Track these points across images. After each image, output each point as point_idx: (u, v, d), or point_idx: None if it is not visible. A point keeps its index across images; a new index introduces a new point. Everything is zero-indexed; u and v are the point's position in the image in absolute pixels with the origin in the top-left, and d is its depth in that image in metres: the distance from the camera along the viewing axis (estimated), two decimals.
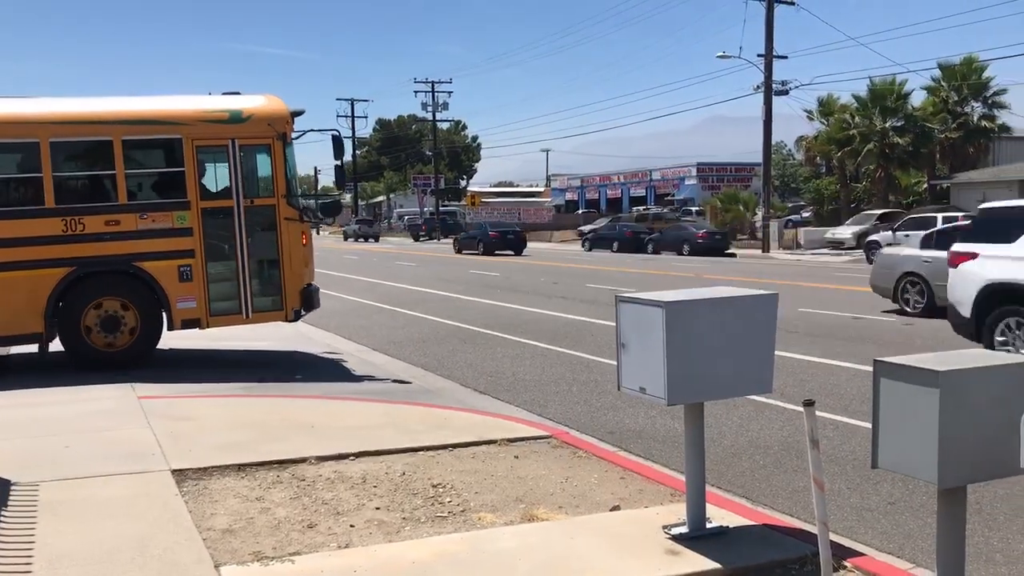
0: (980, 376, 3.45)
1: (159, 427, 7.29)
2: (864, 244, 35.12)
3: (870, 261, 33.33)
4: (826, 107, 48.53)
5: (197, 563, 4.55)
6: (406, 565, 4.51)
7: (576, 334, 13.49)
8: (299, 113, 10.93)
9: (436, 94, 71.38)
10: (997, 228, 10.48)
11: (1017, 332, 9.93)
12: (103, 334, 10.03)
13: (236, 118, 10.40)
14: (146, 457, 6.44)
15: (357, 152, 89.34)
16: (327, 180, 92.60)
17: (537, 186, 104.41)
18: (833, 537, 4.93)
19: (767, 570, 4.54)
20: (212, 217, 10.34)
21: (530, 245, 54.24)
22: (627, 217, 56.00)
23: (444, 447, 6.83)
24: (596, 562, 4.54)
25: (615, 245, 45.67)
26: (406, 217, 77.77)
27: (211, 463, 6.29)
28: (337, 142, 11.59)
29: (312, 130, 11.92)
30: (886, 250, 19.54)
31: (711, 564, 4.48)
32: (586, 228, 55.31)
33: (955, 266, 10.66)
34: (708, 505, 5.20)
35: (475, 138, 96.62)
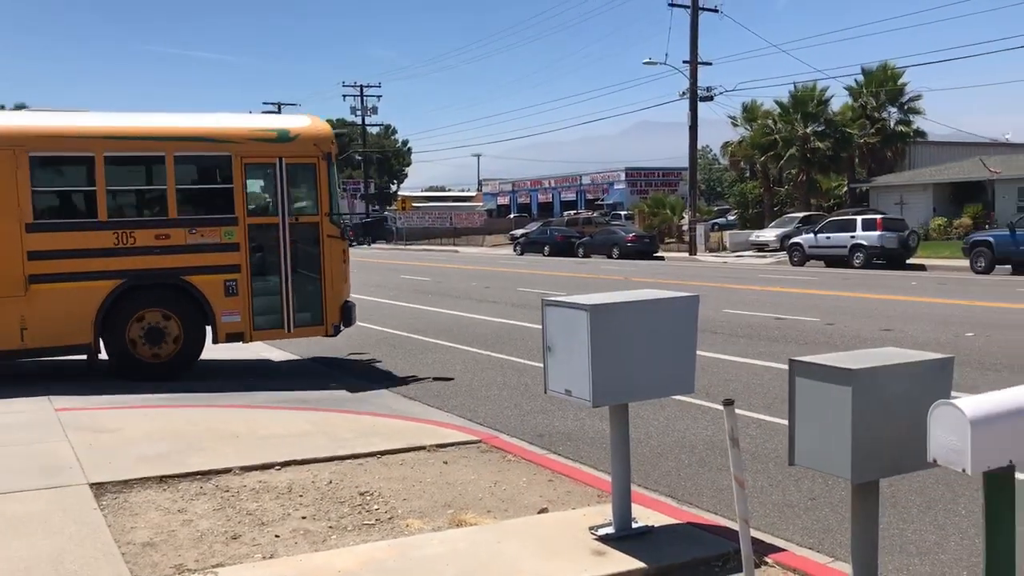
0: (890, 373, 3.56)
1: (77, 440, 7.09)
2: (787, 246, 35.95)
3: (792, 263, 34.18)
4: (750, 113, 49.54)
5: None
6: (332, 574, 4.47)
7: (507, 338, 13.52)
8: (342, 134, 11.30)
9: (365, 98, 70.85)
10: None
11: None
12: (147, 345, 10.12)
13: (284, 137, 10.67)
14: (63, 471, 6.25)
15: None
16: None
17: (469, 191, 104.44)
18: (755, 533, 5.04)
19: (691, 568, 4.62)
20: (258, 233, 10.54)
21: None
22: (558, 221, 56.41)
23: (372, 454, 6.79)
24: (523, 565, 4.56)
25: (546, 249, 45.97)
26: None
27: (132, 476, 6.14)
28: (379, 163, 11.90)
29: (352, 152, 12.19)
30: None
31: (636, 564, 4.53)
32: (518, 232, 55.52)
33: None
34: (634, 505, 5.27)
35: (406, 142, 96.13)
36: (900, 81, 46.11)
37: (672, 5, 42.36)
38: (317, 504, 5.66)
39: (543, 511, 5.50)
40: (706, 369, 10.64)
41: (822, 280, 25.75)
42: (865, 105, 46.36)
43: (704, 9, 42.50)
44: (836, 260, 32.46)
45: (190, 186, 10.54)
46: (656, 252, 42.33)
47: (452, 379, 10.51)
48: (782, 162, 46.35)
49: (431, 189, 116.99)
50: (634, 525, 5.01)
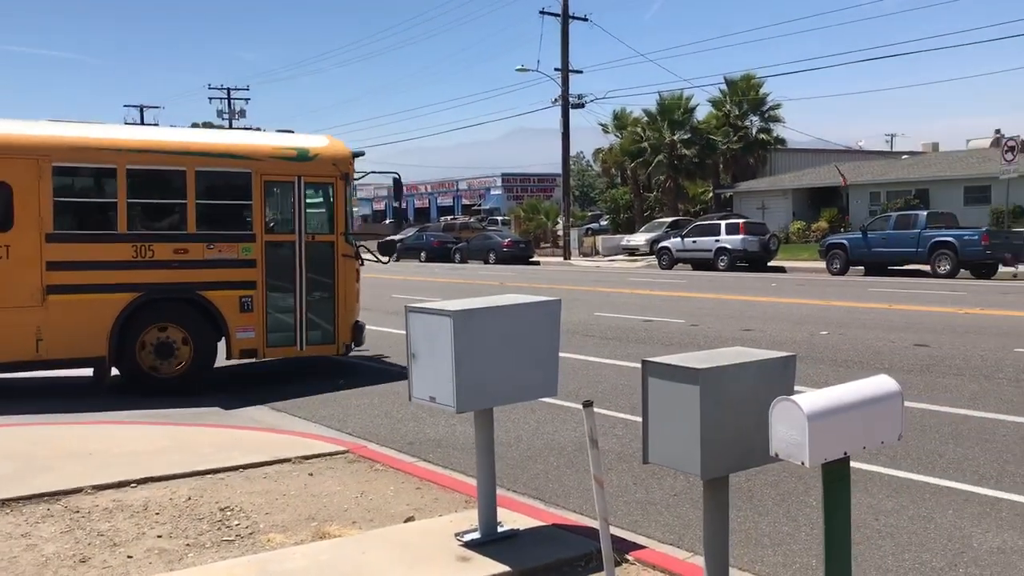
0: (736, 372, 3.69)
1: None
2: (656, 250, 36.98)
3: (661, 266, 35.19)
4: (620, 120, 50.78)
5: None
6: None
7: (379, 345, 13.38)
8: (360, 155, 11.40)
9: (233, 101, 69.01)
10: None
11: None
12: (158, 359, 10.03)
13: (303, 156, 10.73)
14: None
15: None
16: None
17: None
18: (618, 532, 5.15)
19: (554, 569, 4.67)
20: (274, 250, 10.56)
21: None
22: (435, 227, 56.33)
23: (235, 468, 6.59)
24: (387, 574, 4.51)
25: (423, 255, 45.82)
26: None
27: None
28: (398, 184, 12.39)
29: (374, 172, 12.98)
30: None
31: (500, 567, 4.55)
32: (394, 238, 55.13)
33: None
34: (502, 509, 5.30)
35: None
36: (761, 91, 48.21)
37: (543, 13, 42.95)
38: (174, 522, 5.45)
39: (410, 519, 5.46)
40: (578, 372, 10.82)
41: (689, 283, 26.59)
42: (729, 113, 48.22)
43: (574, 18, 43.30)
44: (702, 263, 33.61)
45: (209, 201, 10.44)
46: (532, 257, 42.83)
47: (320, 389, 10.31)
48: (651, 168, 47.69)
49: None
50: (500, 529, 5.03)
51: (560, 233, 45.91)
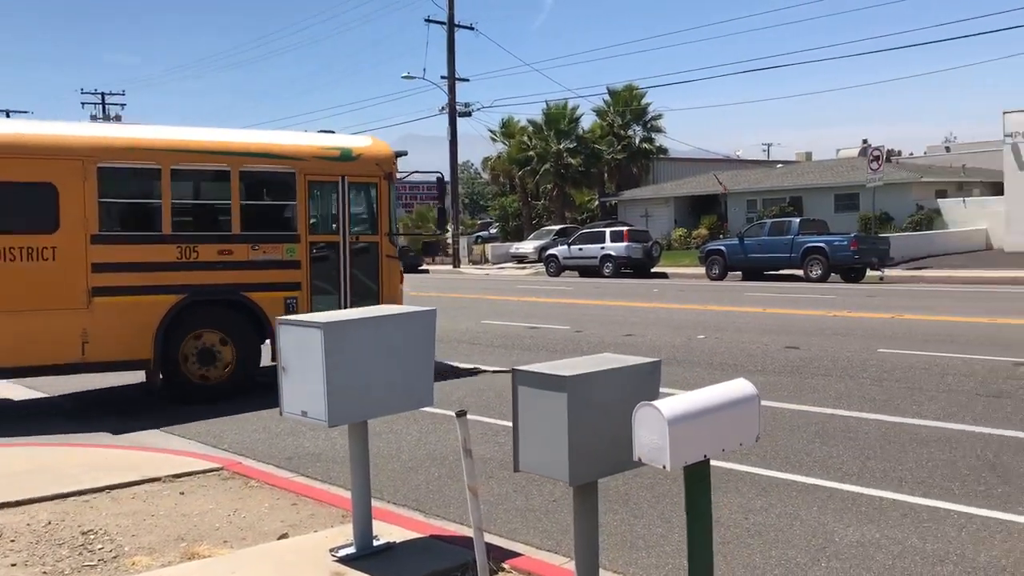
0: (602, 379, 3.75)
1: None
2: (544, 258, 37.40)
3: (549, 273, 35.59)
4: (507, 129, 51.15)
5: None
6: None
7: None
8: (402, 154, 11.31)
9: (107, 106, 66.43)
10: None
11: None
12: (199, 365, 9.99)
13: (347, 156, 10.74)
14: None
15: None
16: None
17: None
18: (495, 540, 5.17)
19: None
20: (319, 251, 10.58)
21: None
22: None
23: (101, 490, 6.30)
24: None
25: None
26: None
27: None
28: (441, 184, 12.53)
29: (417, 171, 13.28)
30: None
31: None
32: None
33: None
34: (380, 522, 5.24)
35: None
36: (643, 101, 49.37)
37: (428, 21, 42.90)
38: (31, 549, 5.18)
39: (283, 536, 5.33)
40: (465, 380, 10.82)
41: (576, 289, 26.97)
42: (612, 123, 49.18)
43: (460, 26, 43.40)
44: (589, 270, 34.17)
45: (253, 202, 10.50)
46: (421, 265, 42.66)
47: (195, 405, 9.98)
48: (538, 177, 48.19)
49: None
50: (376, 543, 4.97)
51: (449, 241, 45.93)
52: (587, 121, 49.63)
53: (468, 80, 46.97)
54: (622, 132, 49.07)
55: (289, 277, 10.36)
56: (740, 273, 30.24)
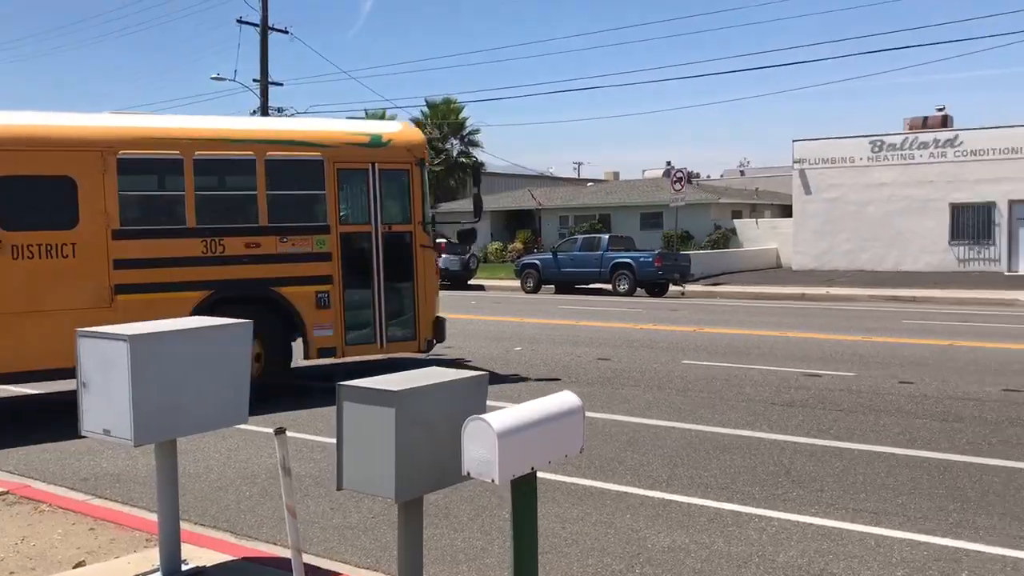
0: (432, 393, 3.70)
1: None
2: None
3: None
4: None
5: None
6: None
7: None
8: (434, 139, 9.89)
9: None
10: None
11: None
12: None
13: (376, 142, 10.34)
14: None
15: None
16: None
17: None
18: (313, 560, 5.00)
19: None
20: (350, 242, 10.17)
21: None
22: None
23: None
24: None
25: None
26: None
27: None
28: (476, 172, 12.62)
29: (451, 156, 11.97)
30: None
31: None
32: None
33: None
34: (189, 545, 4.96)
35: None
36: (461, 115, 49.82)
37: (241, 22, 41.49)
38: None
39: (80, 564, 4.93)
40: (280, 396, 10.45)
41: None
42: (430, 136, 49.32)
43: (274, 29, 42.15)
44: None
45: (281, 192, 9.94)
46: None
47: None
48: None
49: None
50: (184, 567, 4.69)
51: None
52: None
53: (282, 84, 45.91)
54: (440, 145, 49.30)
55: (320, 270, 9.99)
56: (553, 287, 31.03)
